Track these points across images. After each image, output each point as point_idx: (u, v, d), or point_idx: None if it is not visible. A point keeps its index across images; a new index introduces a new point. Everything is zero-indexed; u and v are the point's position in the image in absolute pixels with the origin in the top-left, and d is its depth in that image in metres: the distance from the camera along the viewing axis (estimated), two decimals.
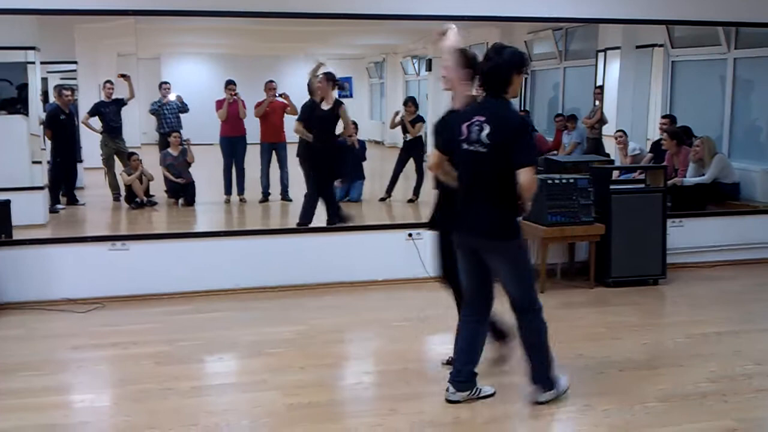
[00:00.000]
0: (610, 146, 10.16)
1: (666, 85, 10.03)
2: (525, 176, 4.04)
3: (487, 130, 4.10)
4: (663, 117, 9.44)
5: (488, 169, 4.15)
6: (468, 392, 4.44)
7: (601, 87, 10.65)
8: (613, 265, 7.01)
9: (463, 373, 4.44)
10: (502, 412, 4.39)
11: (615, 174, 7.98)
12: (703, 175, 8.35)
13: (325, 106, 7.84)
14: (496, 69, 4.14)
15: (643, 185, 7.50)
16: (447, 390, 4.45)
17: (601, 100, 10.62)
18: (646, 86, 10.38)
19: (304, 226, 7.69)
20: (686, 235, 7.69)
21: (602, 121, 10.51)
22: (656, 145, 9.32)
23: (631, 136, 9.71)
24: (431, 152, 4.42)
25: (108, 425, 4.28)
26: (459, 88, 4.47)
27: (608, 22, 8.62)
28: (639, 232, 7.06)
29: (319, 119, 7.92)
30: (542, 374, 4.42)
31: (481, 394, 4.48)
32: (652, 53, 10.21)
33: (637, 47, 10.23)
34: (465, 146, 4.19)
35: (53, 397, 4.60)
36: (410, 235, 6.91)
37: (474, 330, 4.47)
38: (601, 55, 10.68)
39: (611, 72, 10.52)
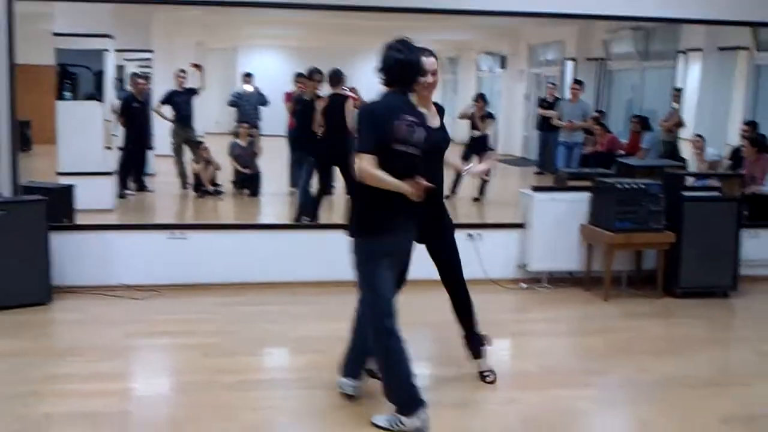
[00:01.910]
0: (686, 150, 9.81)
1: (749, 89, 9.62)
2: None
3: (424, 133, 3.99)
4: (745, 123, 9.05)
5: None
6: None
7: (680, 89, 10.30)
8: (682, 274, 6.72)
9: None
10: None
11: (690, 180, 7.67)
12: None
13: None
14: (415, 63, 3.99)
15: (717, 193, 7.18)
16: None
17: (679, 103, 10.27)
18: (728, 90, 9.97)
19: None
20: (762, 246, 7.33)
21: (680, 124, 10.16)
22: (735, 152, 8.94)
23: (710, 141, 9.33)
24: (364, 155, 3.84)
25: (149, 417, 4.24)
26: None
27: (691, 23, 8.28)
28: (711, 241, 6.75)
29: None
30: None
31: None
32: (736, 56, 9.80)
33: (720, 49, 9.84)
34: (398, 146, 3.89)
35: (99, 384, 4.58)
36: (470, 235, 6.71)
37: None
38: (681, 57, 10.32)
39: (692, 74, 10.17)
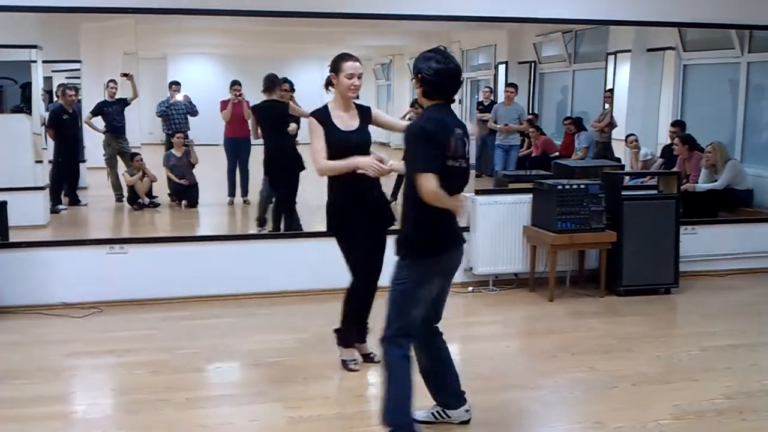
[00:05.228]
0: (619, 150, 10.00)
1: (677, 88, 9.85)
2: None
3: (468, 144, 3.86)
4: (672, 125, 9.27)
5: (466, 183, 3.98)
6: None
7: (611, 90, 10.48)
8: (625, 273, 6.83)
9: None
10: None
11: (626, 179, 7.82)
12: (716, 181, 8.17)
13: None
14: (457, 73, 3.82)
15: (655, 191, 7.33)
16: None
17: (611, 104, 10.46)
18: (657, 90, 10.20)
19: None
20: (699, 242, 7.51)
21: (611, 124, 10.35)
22: (667, 150, 9.15)
23: (642, 141, 9.55)
24: (428, 175, 3.62)
25: None
26: None
27: (619, 24, 8.44)
28: (651, 239, 6.88)
29: None
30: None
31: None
32: (663, 56, 10.04)
33: (648, 50, 10.06)
34: (451, 162, 3.74)
35: (44, 407, 4.43)
36: None
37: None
38: (611, 58, 10.51)
39: (621, 75, 10.35)
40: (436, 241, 3.80)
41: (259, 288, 6.67)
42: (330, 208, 4.87)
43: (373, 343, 4.73)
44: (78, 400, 4.71)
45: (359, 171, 4.53)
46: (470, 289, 7.02)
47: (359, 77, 4.67)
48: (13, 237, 6.59)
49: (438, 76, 3.73)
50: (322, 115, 4.74)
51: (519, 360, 5.42)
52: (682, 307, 6.76)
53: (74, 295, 6.35)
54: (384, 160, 4.56)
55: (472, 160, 12.85)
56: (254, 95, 10.47)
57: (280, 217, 7.95)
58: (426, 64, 3.75)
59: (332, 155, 4.63)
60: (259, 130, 8.47)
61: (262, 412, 4.39)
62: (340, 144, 4.64)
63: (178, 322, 6.08)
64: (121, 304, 6.38)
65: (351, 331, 5.09)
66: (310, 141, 4.69)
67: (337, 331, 5.11)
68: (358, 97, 4.89)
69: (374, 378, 4.79)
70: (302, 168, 7.93)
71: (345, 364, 5.04)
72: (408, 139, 3.72)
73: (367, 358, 5.11)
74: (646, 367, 5.11)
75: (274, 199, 8.23)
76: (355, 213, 4.78)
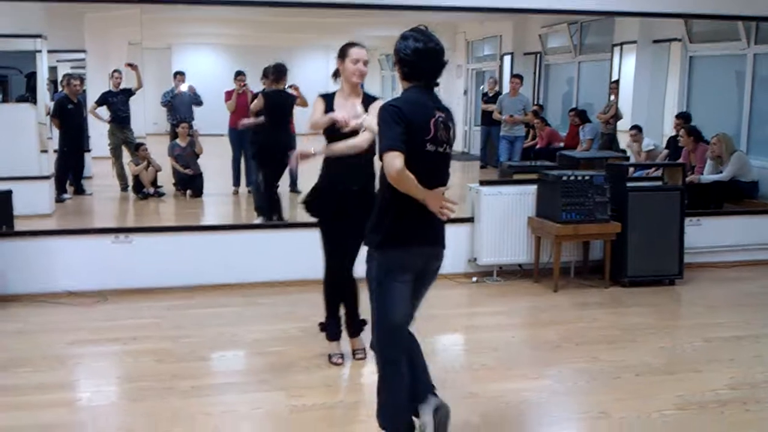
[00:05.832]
0: (624, 142, 9.98)
1: (683, 80, 9.82)
2: None
3: (452, 130, 3.56)
4: (677, 117, 9.24)
5: (448, 171, 3.63)
6: None
7: (617, 82, 10.45)
8: (629, 264, 6.83)
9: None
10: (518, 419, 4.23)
11: (630, 170, 7.81)
12: (721, 172, 8.15)
13: None
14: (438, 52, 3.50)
15: (660, 183, 7.32)
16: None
17: (617, 95, 10.43)
18: (663, 81, 10.16)
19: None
20: (704, 234, 7.50)
21: (617, 116, 10.32)
22: (672, 141, 9.13)
23: (647, 132, 9.52)
24: (393, 153, 3.30)
25: (104, 426, 4.13)
26: None
27: (625, 15, 8.41)
28: (656, 230, 6.88)
29: None
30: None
31: None
32: (669, 48, 10.00)
33: (654, 42, 10.02)
34: (431, 147, 3.44)
35: (49, 395, 4.46)
36: None
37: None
38: (616, 50, 10.47)
39: (627, 67, 10.32)
40: (404, 232, 3.49)
41: (262, 277, 6.69)
42: (311, 190, 4.87)
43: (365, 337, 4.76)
44: (83, 387, 4.73)
45: (337, 124, 4.50)
46: (474, 279, 7.03)
47: (365, 63, 4.68)
48: (19, 226, 6.60)
49: (416, 56, 3.43)
50: (326, 96, 4.79)
51: (523, 350, 5.41)
52: (686, 298, 6.76)
53: (79, 284, 6.37)
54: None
55: (475, 151, 12.94)
56: (259, 85, 10.48)
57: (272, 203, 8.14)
58: (404, 43, 3.46)
59: (326, 137, 4.67)
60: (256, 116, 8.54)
61: (266, 400, 4.41)
62: (333, 127, 4.58)
63: (182, 310, 6.10)
64: (126, 293, 6.40)
65: (332, 324, 5.02)
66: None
67: (320, 324, 5.08)
68: (362, 86, 4.89)
69: (373, 366, 4.78)
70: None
71: (329, 357, 5.00)
72: (379, 117, 3.43)
73: (354, 354, 5.03)
74: (650, 358, 5.12)
75: (262, 184, 8.30)
76: (330, 197, 4.72)
